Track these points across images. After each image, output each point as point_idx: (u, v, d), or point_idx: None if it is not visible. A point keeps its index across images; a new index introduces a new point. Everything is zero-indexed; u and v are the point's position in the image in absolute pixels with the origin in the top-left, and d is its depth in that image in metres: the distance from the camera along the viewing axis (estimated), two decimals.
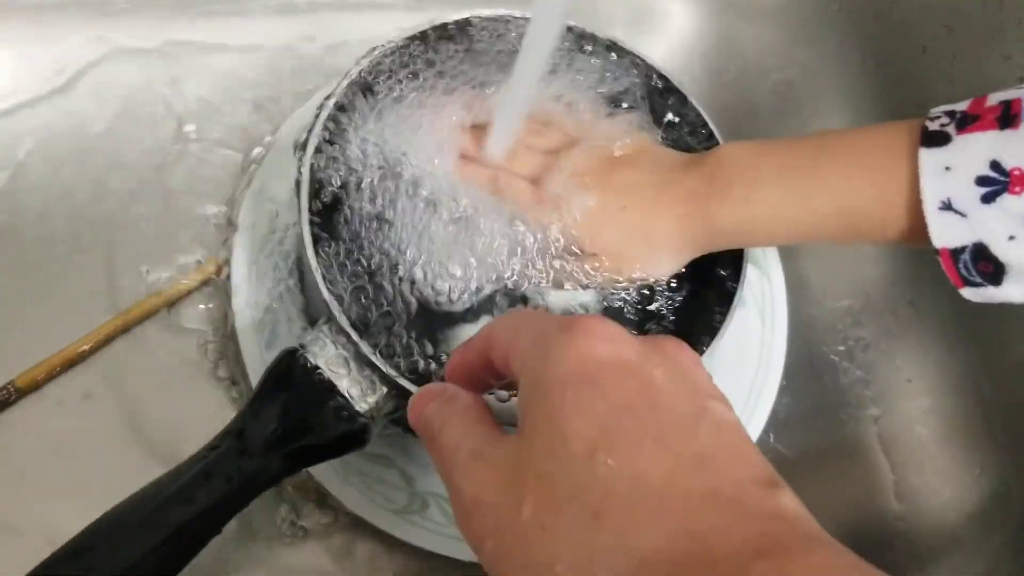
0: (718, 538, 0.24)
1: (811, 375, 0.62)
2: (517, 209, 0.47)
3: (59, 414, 0.51)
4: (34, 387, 0.51)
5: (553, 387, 0.27)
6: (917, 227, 0.41)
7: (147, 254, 0.56)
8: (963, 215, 0.39)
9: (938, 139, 0.40)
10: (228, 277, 0.54)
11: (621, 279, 0.48)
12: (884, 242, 0.44)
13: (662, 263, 0.48)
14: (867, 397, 0.62)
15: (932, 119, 0.41)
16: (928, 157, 0.40)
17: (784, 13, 0.70)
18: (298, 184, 0.45)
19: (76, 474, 0.50)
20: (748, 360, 0.58)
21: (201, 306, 0.55)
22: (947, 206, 0.39)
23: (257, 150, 0.59)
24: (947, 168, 0.39)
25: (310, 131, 0.46)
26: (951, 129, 0.40)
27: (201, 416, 0.50)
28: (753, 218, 0.45)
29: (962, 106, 0.41)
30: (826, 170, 0.44)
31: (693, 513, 0.24)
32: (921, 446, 0.60)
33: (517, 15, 0.53)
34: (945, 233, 0.40)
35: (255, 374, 0.51)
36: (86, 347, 0.52)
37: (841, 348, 0.62)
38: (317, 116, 0.47)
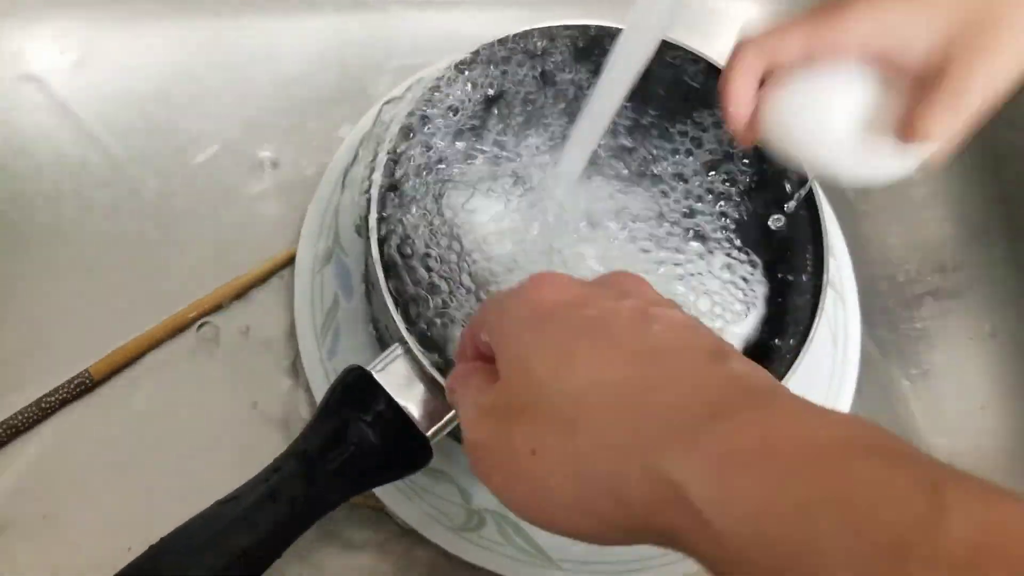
0: (677, 414, 0.26)
1: (882, 400, 0.59)
2: None
3: (131, 403, 0.52)
4: (108, 376, 0.52)
5: (514, 333, 0.30)
6: None
7: (215, 249, 0.56)
8: None
9: None
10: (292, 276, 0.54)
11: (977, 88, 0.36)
12: None
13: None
14: (939, 422, 0.59)
15: None
16: None
17: None
18: (366, 222, 0.44)
19: (147, 463, 0.50)
20: (819, 384, 0.56)
21: (270, 301, 0.55)
22: None
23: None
24: None
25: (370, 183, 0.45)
26: None
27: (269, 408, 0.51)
28: None
29: None
30: None
31: (653, 398, 0.26)
32: (995, 474, 0.58)
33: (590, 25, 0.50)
34: None
35: (315, 379, 0.51)
36: (156, 337, 0.53)
37: (915, 371, 0.60)
38: (368, 193, 0.45)
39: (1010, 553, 0.20)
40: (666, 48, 0.50)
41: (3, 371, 0.51)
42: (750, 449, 0.24)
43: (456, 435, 0.45)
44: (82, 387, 0.51)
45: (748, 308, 0.49)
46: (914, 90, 0.36)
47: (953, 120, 0.36)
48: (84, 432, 0.51)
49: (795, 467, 0.23)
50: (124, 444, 0.51)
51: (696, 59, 0.51)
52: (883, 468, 0.22)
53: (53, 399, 0.50)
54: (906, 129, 0.37)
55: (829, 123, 0.38)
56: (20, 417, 0.50)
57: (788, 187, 0.50)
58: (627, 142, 0.50)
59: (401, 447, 0.41)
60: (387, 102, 0.55)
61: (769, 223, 0.50)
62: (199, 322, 0.54)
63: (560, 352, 0.28)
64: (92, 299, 0.53)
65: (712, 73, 0.50)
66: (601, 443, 0.26)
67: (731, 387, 0.26)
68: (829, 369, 0.57)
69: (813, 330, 0.47)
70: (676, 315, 0.30)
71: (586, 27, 0.50)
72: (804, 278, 0.49)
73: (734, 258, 0.49)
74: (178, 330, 0.53)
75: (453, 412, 0.42)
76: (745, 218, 0.50)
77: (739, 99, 0.39)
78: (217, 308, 0.54)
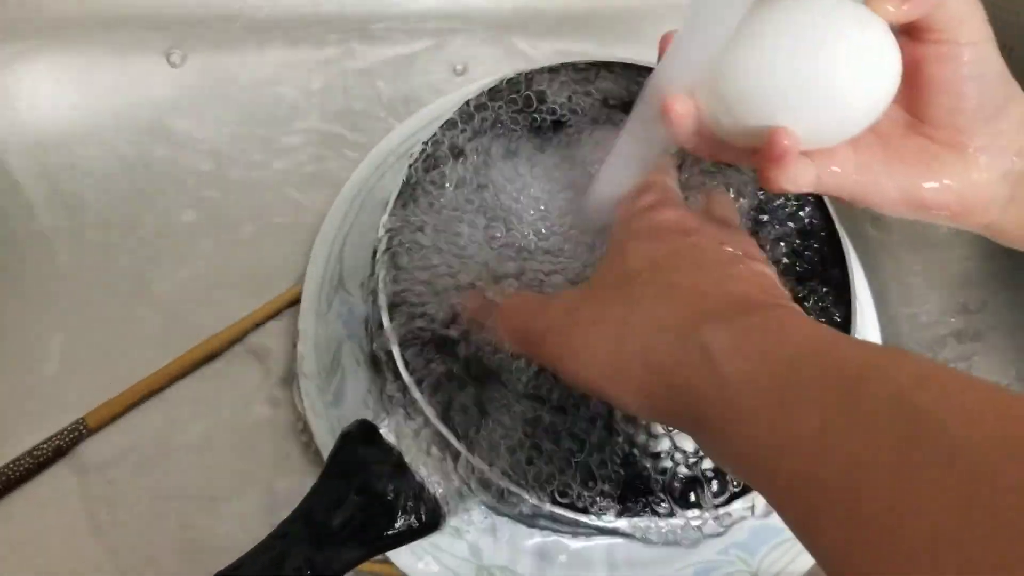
0: (716, 305, 0.32)
1: None
2: None
3: (129, 453, 0.50)
4: (104, 424, 0.50)
5: (624, 237, 0.37)
6: None
7: (217, 286, 0.54)
8: None
9: None
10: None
11: None
12: None
13: None
14: None
15: None
16: None
17: None
18: (375, 295, 0.42)
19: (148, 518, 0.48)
20: None
21: (272, 343, 0.53)
22: None
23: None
24: None
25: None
26: None
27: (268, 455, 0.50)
28: None
29: None
30: None
31: (707, 300, 0.32)
32: None
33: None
34: None
35: (319, 429, 0.49)
36: (156, 384, 0.51)
37: None
38: (375, 256, 0.43)
39: (944, 380, 0.25)
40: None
41: None
42: (767, 323, 0.30)
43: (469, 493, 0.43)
44: (77, 436, 0.49)
45: None
46: None
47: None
48: (77, 484, 0.49)
49: (795, 340, 0.29)
50: (123, 497, 0.49)
51: None
52: (857, 343, 0.29)
53: (46, 447, 0.48)
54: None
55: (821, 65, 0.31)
56: (13, 467, 0.48)
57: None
58: None
59: (412, 509, 0.39)
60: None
61: (797, 267, 0.48)
62: (201, 366, 0.52)
63: (655, 257, 0.35)
64: (87, 343, 0.51)
65: None
66: (649, 320, 0.32)
67: (773, 303, 0.33)
68: None
69: None
70: (763, 269, 0.35)
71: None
72: (829, 322, 0.47)
73: None
74: (182, 374, 0.52)
75: (463, 476, 0.40)
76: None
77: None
78: (220, 351, 0.52)
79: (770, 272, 0.36)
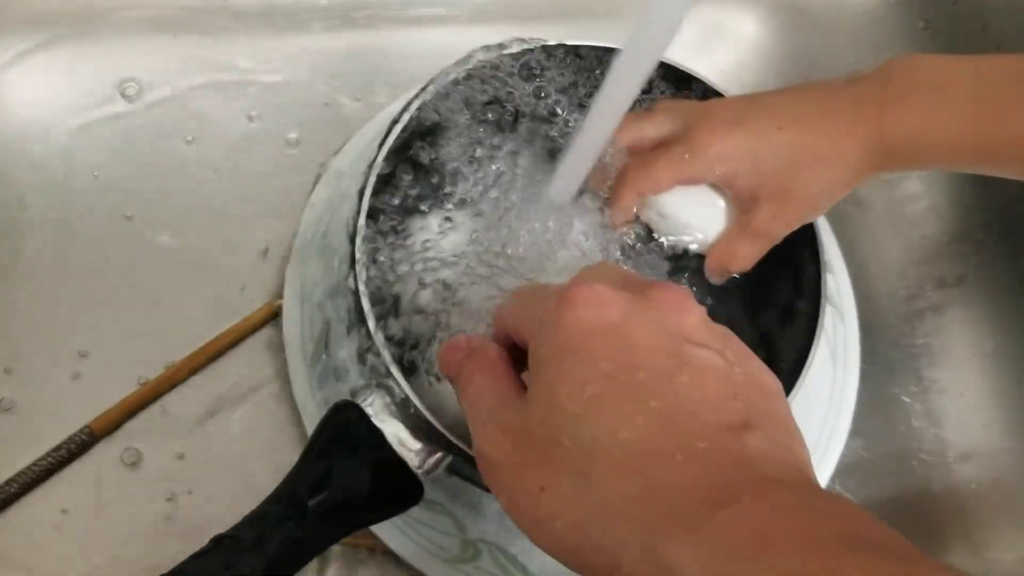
0: (682, 496, 0.26)
1: (883, 418, 0.59)
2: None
3: (136, 457, 0.51)
4: (109, 430, 0.51)
5: (548, 360, 0.30)
6: None
7: (210, 284, 0.55)
8: None
9: None
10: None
11: (778, 232, 0.44)
12: None
13: (833, 184, 0.43)
14: (940, 441, 0.59)
15: None
16: None
17: (867, 29, 0.66)
18: (351, 262, 0.43)
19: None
20: (818, 402, 0.56)
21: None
22: None
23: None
24: None
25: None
26: None
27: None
28: (936, 134, 0.40)
29: None
30: None
31: (662, 472, 0.26)
32: (997, 496, 0.58)
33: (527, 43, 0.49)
34: None
35: (306, 412, 0.50)
36: (155, 388, 0.52)
37: (915, 389, 0.59)
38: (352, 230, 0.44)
39: None
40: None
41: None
42: (746, 540, 0.24)
43: (450, 469, 0.45)
44: (83, 444, 0.50)
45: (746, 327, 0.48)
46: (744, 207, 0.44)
47: (752, 251, 0.44)
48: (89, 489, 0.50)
49: (785, 559, 0.23)
50: (133, 501, 0.50)
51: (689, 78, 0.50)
52: (867, 562, 0.23)
53: (54, 458, 0.50)
54: (712, 263, 0.46)
55: (695, 221, 0.46)
56: (20, 478, 0.49)
57: None
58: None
59: (392, 485, 0.41)
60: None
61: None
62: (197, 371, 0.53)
63: (587, 396, 0.28)
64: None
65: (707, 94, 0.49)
66: (606, 506, 0.27)
67: (740, 471, 0.26)
68: (829, 387, 0.56)
69: (813, 351, 0.46)
70: (708, 362, 0.29)
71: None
72: (802, 299, 0.48)
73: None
74: (178, 381, 0.53)
75: (443, 453, 0.41)
76: None
77: (624, 216, 0.46)
78: (215, 357, 0.53)
79: (716, 356, 0.29)
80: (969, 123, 0.39)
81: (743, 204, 0.44)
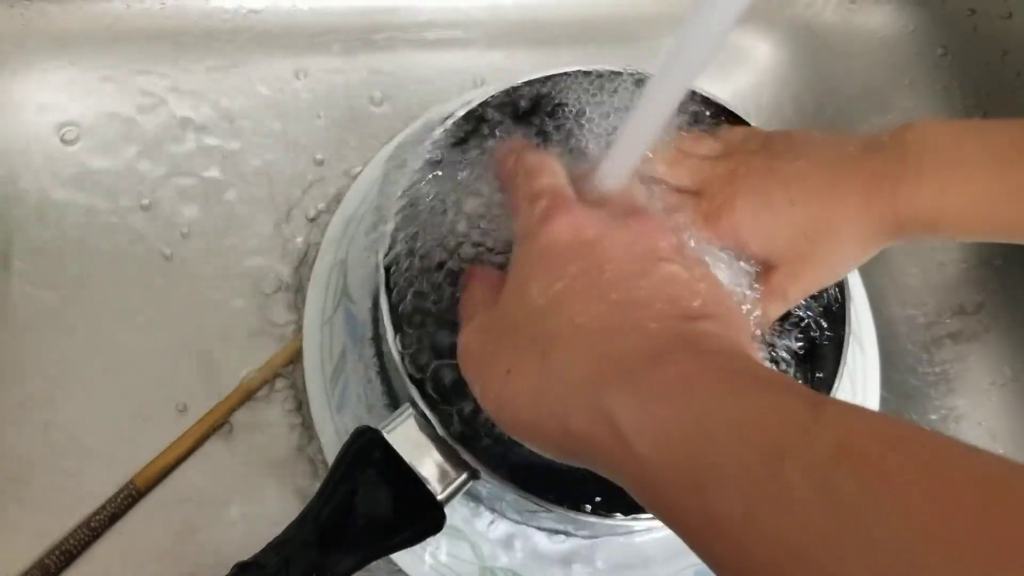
0: (626, 359, 0.30)
1: None
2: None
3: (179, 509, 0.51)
4: (151, 486, 0.51)
5: (524, 263, 0.34)
6: None
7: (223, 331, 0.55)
8: None
9: None
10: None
11: (794, 296, 0.43)
12: None
13: (847, 256, 0.43)
14: None
15: None
16: None
17: (885, 55, 0.66)
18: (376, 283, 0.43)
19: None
20: None
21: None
22: None
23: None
24: None
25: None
26: None
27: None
28: (951, 209, 0.40)
29: None
30: None
31: (613, 345, 0.30)
32: None
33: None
34: None
35: (326, 437, 0.50)
36: (191, 443, 0.52)
37: (934, 417, 0.59)
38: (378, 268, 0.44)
39: (869, 451, 0.23)
40: None
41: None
42: (672, 385, 0.28)
43: (470, 494, 0.44)
44: (130, 499, 0.50)
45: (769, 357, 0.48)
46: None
47: (768, 312, 0.43)
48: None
49: (703, 398, 0.27)
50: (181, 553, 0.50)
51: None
52: (775, 394, 0.26)
53: (102, 516, 0.49)
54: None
55: None
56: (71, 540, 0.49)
57: None
58: None
59: (414, 512, 0.40)
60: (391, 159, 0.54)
61: None
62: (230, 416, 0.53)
63: (554, 291, 0.32)
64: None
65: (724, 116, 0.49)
66: (561, 377, 0.31)
67: (681, 341, 0.30)
68: None
69: (836, 384, 0.45)
70: (675, 272, 0.33)
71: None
72: (826, 331, 0.48)
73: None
74: (216, 426, 0.53)
75: (466, 475, 0.41)
76: None
77: None
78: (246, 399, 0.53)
79: (683, 271, 0.33)
80: (984, 201, 0.40)
81: (760, 266, 0.44)
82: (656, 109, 0.37)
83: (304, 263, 0.56)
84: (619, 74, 0.47)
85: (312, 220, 0.57)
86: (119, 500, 0.49)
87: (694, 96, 0.49)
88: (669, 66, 0.36)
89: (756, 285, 0.43)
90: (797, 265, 0.43)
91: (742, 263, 0.43)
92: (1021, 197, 0.39)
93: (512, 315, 0.34)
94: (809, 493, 0.23)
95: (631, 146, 0.40)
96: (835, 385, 0.45)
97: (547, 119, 0.48)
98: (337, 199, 0.56)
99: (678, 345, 0.30)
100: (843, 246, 0.42)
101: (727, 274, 0.42)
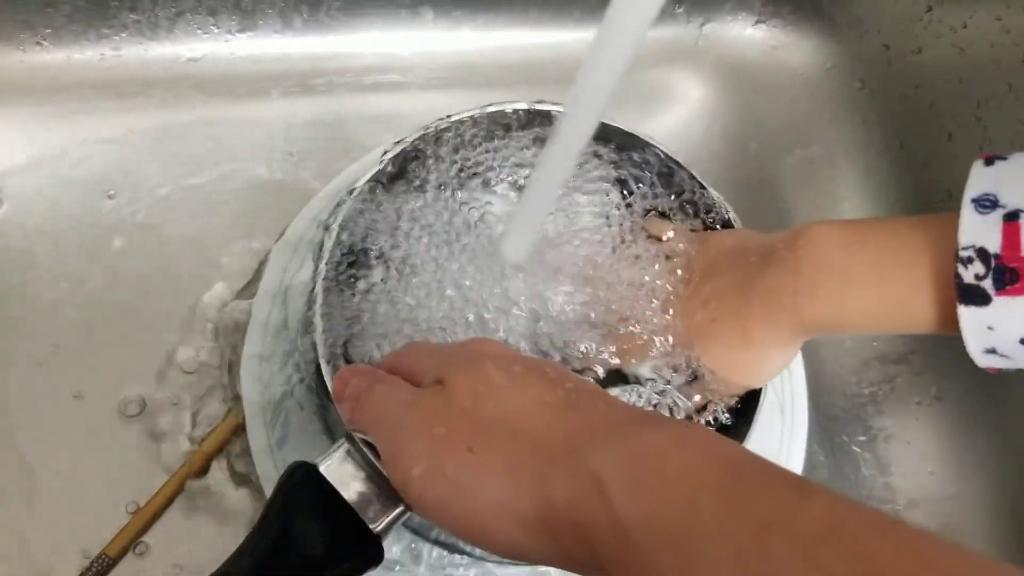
0: (609, 422, 0.31)
1: (832, 466, 0.60)
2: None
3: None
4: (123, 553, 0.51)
5: (463, 366, 0.35)
6: None
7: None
8: (1008, 357, 0.39)
9: (976, 298, 0.38)
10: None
11: (732, 395, 0.48)
12: None
13: (770, 362, 0.47)
14: (890, 488, 0.60)
15: (964, 262, 0.38)
16: (968, 316, 0.38)
17: (807, 90, 0.69)
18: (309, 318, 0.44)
19: None
20: (768, 454, 0.55)
21: None
22: (992, 351, 0.39)
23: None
24: (990, 328, 0.38)
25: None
26: (988, 286, 0.38)
27: None
28: (848, 318, 0.43)
29: (994, 245, 0.38)
30: (926, 274, 0.40)
31: (590, 420, 0.31)
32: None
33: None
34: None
35: (264, 471, 0.50)
36: (154, 509, 0.52)
37: (863, 438, 0.61)
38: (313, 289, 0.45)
39: (856, 532, 0.24)
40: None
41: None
42: (662, 450, 0.28)
43: (409, 526, 0.45)
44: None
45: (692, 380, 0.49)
46: None
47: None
48: None
49: (694, 467, 0.27)
50: None
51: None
52: (763, 474, 0.27)
53: None
54: None
55: None
56: None
57: None
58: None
59: (350, 546, 0.41)
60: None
61: None
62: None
63: (497, 383, 0.33)
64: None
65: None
66: (537, 445, 0.31)
67: (655, 416, 0.33)
68: (778, 437, 0.57)
69: (760, 402, 0.47)
70: (587, 384, 0.35)
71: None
72: None
73: None
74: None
75: (402, 507, 0.42)
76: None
77: None
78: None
79: (590, 389, 0.35)
80: (876, 308, 0.42)
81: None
82: (550, 178, 0.41)
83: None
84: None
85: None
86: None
87: (618, 134, 0.51)
88: (558, 136, 0.39)
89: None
90: (726, 371, 0.46)
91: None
92: (908, 305, 0.41)
93: (464, 402, 0.34)
94: (792, 566, 0.23)
95: (531, 216, 0.43)
96: (759, 403, 0.47)
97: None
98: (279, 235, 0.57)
99: (656, 417, 0.32)
100: (763, 351, 0.46)
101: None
